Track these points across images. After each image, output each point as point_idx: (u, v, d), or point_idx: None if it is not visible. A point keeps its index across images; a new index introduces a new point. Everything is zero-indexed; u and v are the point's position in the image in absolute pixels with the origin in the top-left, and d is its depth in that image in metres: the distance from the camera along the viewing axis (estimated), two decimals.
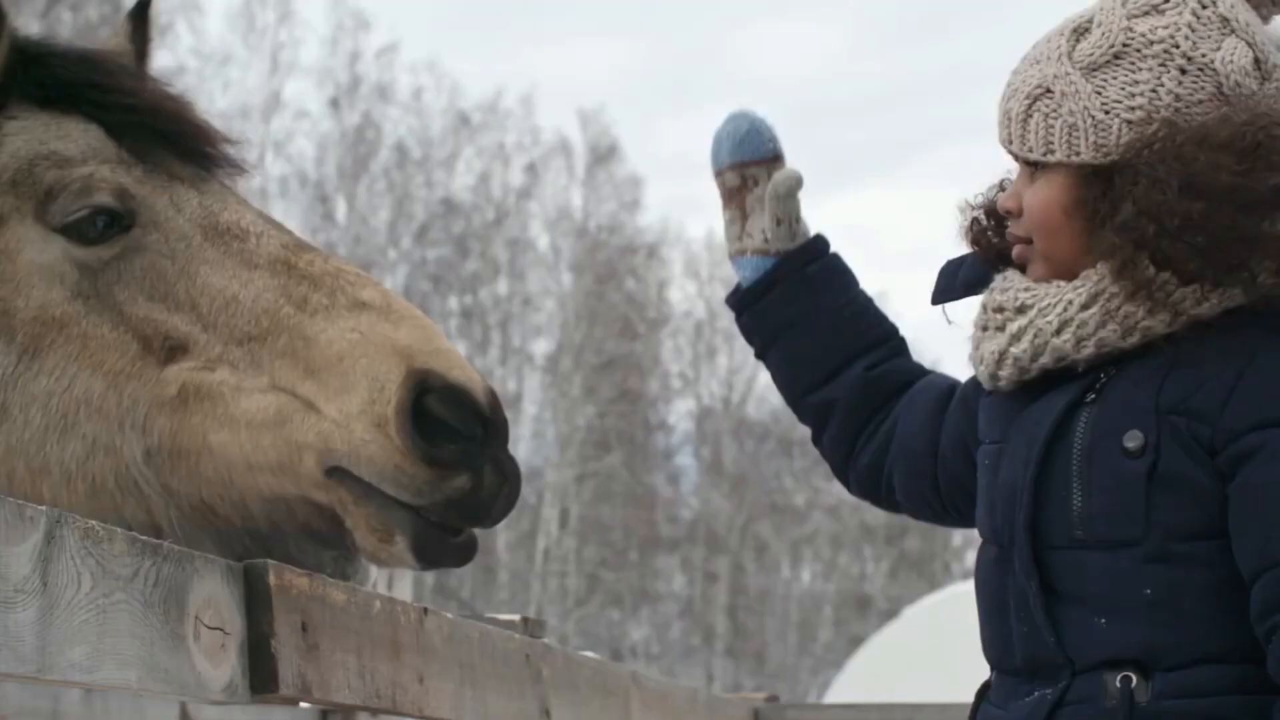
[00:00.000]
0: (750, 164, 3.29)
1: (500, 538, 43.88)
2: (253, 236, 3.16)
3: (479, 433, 2.95)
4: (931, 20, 71.57)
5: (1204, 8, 2.89)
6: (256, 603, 2.72)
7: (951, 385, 3.23)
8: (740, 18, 73.45)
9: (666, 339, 49.55)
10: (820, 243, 3.36)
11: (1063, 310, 2.87)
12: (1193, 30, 2.86)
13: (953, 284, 3.16)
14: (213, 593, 2.60)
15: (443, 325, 35.42)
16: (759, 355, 3.42)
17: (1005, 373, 2.93)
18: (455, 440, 2.94)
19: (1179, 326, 2.80)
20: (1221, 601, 2.76)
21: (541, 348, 46.90)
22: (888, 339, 3.35)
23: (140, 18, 3.57)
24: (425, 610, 3.34)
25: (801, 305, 3.32)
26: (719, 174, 3.33)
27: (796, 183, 3.29)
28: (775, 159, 3.30)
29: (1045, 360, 2.88)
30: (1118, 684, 2.78)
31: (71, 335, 3.09)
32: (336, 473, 2.97)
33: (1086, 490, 2.83)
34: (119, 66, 3.40)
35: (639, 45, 72.60)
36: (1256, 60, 2.87)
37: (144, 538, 2.45)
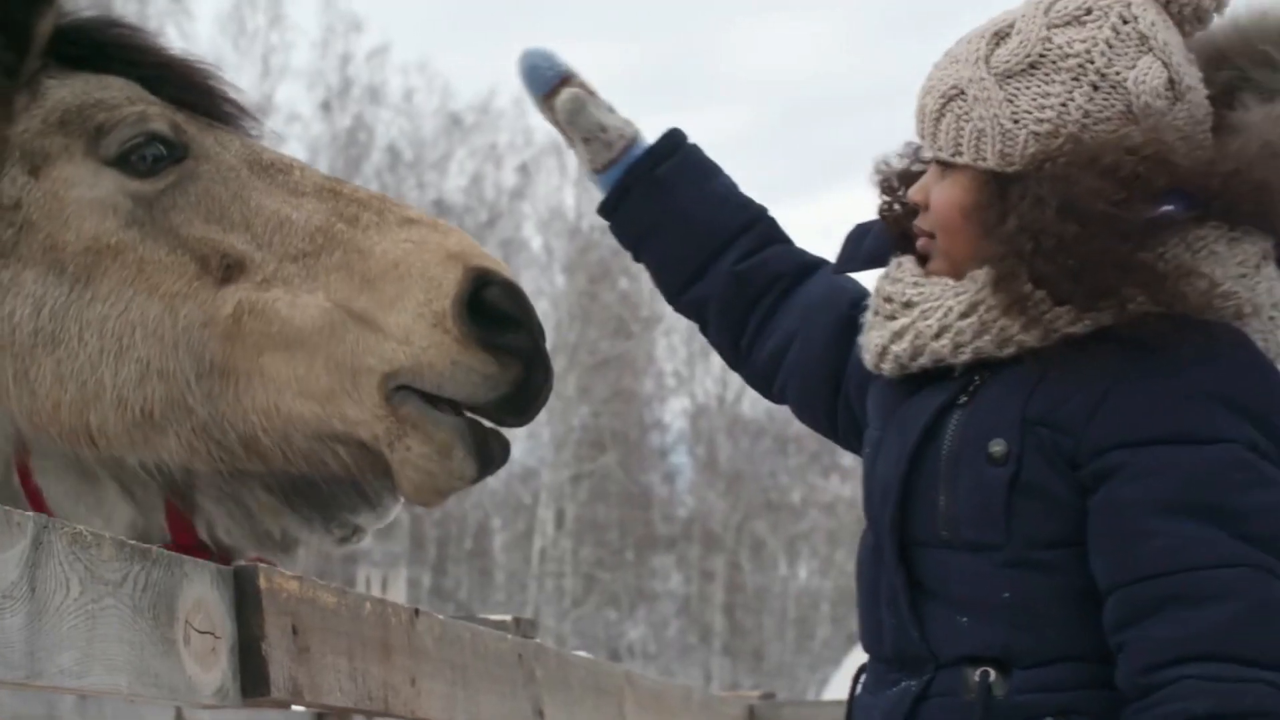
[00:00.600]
0: (549, 97, 3.33)
1: (496, 539, 43.86)
2: (296, 170, 3.23)
3: (535, 323, 3.02)
4: (924, 17, 71.57)
5: (1125, 23, 2.87)
6: (246, 606, 2.73)
7: (853, 300, 3.19)
8: (733, 16, 73.51)
9: (660, 338, 49.46)
10: (671, 141, 3.37)
11: (942, 316, 2.90)
12: (1110, 46, 2.85)
13: (856, 253, 3.19)
14: (202, 596, 2.60)
15: None
16: (635, 260, 3.45)
17: (886, 366, 2.98)
18: (515, 329, 3.00)
19: (1052, 341, 2.82)
20: (1079, 607, 2.80)
21: None
22: (751, 225, 3.35)
23: None
24: (416, 611, 3.35)
25: (656, 208, 3.34)
26: (542, 114, 3.38)
27: (575, 102, 3.31)
28: (564, 82, 3.33)
29: (924, 361, 2.92)
30: (976, 678, 2.82)
31: (127, 261, 3.11)
32: (401, 392, 3.00)
33: (952, 493, 2.87)
34: (145, 33, 3.46)
35: (631, 46, 72.60)
36: (1171, 81, 2.85)
37: (132, 542, 2.45)
